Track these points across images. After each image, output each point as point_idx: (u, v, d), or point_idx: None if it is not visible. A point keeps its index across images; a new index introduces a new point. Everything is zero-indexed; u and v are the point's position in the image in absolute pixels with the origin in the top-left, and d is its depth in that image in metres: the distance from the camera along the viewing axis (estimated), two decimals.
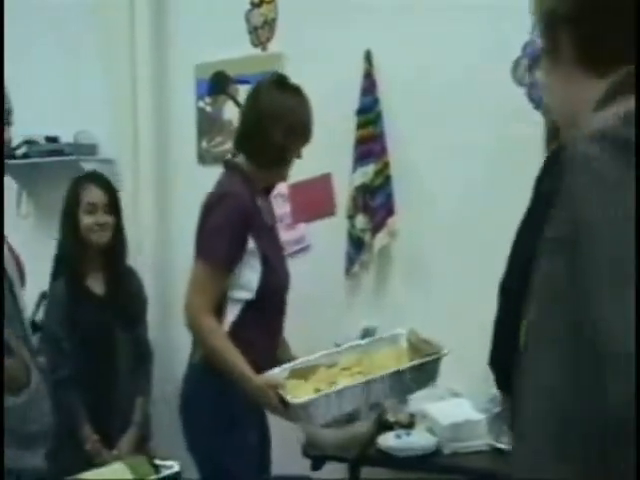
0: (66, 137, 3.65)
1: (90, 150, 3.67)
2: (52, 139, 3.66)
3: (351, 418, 2.75)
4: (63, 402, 2.64)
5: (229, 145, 3.34)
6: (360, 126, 3.13)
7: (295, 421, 2.19)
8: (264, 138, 2.38)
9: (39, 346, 2.72)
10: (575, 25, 0.99)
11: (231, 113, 3.43)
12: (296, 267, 2.65)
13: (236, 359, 2.24)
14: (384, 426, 2.81)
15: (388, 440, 2.70)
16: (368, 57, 3.12)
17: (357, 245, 3.15)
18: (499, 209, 2.52)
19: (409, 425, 2.81)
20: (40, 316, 3.09)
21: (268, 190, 2.56)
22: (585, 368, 0.81)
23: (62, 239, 2.98)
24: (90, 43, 3.65)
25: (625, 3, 0.95)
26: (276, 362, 2.33)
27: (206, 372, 2.34)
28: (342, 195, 3.18)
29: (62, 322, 2.87)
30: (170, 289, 3.41)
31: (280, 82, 2.49)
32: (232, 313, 2.35)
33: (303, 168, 2.65)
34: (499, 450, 2.56)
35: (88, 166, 3.51)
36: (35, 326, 2.98)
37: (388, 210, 3.11)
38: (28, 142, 3.60)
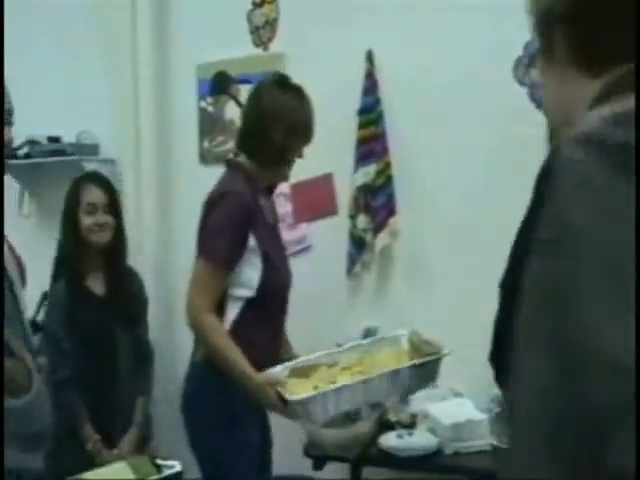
0: (68, 137, 3.66)
1: (92, 150, 3.67)
2: (54, 139, 3.67)
3: (353, 418, 2.75)
4: (64, 402, 2.65)
5: (231, 145, 3.34)
6: (362, 126, 3.13)
7: (294, 418, 2.19)
8: (265, 137, 2.38)
9: (40, 346, 2.72)
10: (570, 24, 0.98)
11: (233, 113, 3.43)
12: (298, 267, 2.66)
13: (236, 357, 2.25)
14: (386, 426, 2.81)
15: (390, 440, 2.70)
16: (370, 57, 3.12)
17: (359, 245, 3.15)
18: (501, 209, 2.51)
19: (411, 425, 2.81)
20: (42, 316, 3.09)
21: (271, 189, 2.57)
22: (574, 368, 0.82)
23: (62, 239, 2.99)
24: (92, 43, 3.65)
25: (621, 2, 0.95)
26: (278, 361, 2.33)
27: (208, 371, 2.35)
28: (344, 195, 3.18)
29: (62, 322, 2.87)
30: (172, 289, 3.41)
31: (282, 82, 2.50)
32: (233, 311, 2.36)
33: (305, 168, 2.66)
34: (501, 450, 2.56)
35: (90, 166, 3.51)
36: (37, 326, 2.99)
37: (389, 210, 3.11)
38: (30, 142, 3.60)
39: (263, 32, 3.40)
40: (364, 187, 3.11)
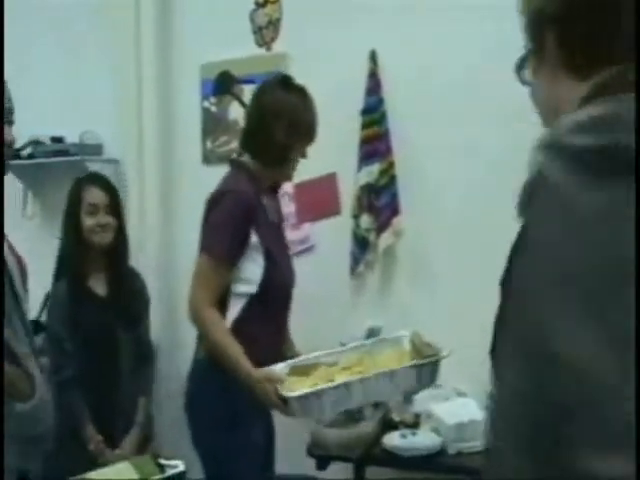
0: (71, 137, 3.66)
1: (95, 150, 3.68)
2: (57, 139, 3.67)
3: (356, 418, 2.76)
4: (66, 403, 2.65)
5: (234, 145, 3.34)
6: (365, 126, 3.13)
7: (292, 415, 2.19)
8: (268, 136, 2.39)
9: (42, 346, 2.73)
10: (561, 25, 0.98)
11: (236, 113, 3.43)
12: (301, 267, 2.66)
13: (236, 353, 2.26)
14: (389, 426, 2.81)
15: (393, 440, 2.70)
16: (373, 57, 3.12)
17: (362, 245, 3.15)
18: (504, 209, 2.51)
19: (414, 425, 2.80)
20: (45, 316, 3.09)
21: (275, 189, 2.58)
22: (542, 369, 0.83)
23: (64, 240, 2.99)
24: (95, 43, 3.66)
25: (613, 4, 0.94)
26: (280, 358, 2.35)
27: (210, 368, 2.36)
28: (347, 195, 3.18)
29: (64, 323, 2.87)
30: (175, 289, 3.42)
31: (285, 82, 2.52)
32: (236, 308, 2.37)
33: (308, 167, 2.66)
34: None
35: (93, 166, 3.52)
36: (41, 326, 2.99)
37: (393, 210, 3.10)
38: (33, 142, 3.61)
39: (266, 32, 3.40)
40: (367, 187, 3.11)
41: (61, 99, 3.70)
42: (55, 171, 3.61)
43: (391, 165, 3.11)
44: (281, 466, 2.66)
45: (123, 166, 3.66)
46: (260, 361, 2.23)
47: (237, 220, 2.33)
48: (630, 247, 0.80)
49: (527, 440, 0.83)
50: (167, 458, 1.98)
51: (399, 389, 2.25)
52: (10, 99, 1.74)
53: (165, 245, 3.59)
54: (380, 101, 3.12)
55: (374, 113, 3.12)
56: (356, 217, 3.14)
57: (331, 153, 3.00)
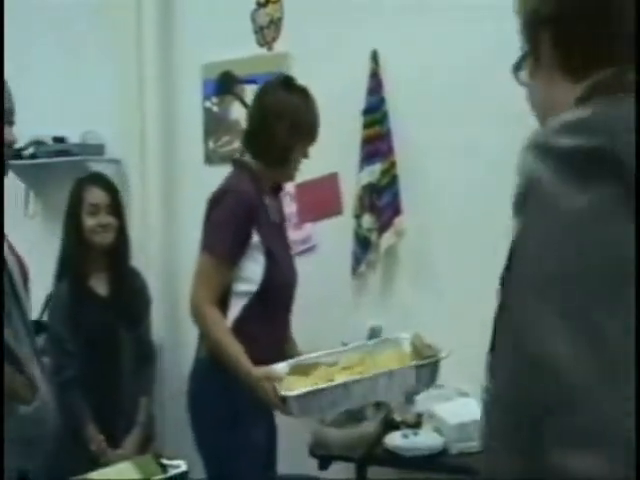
0: (73, 137, 3.66)
1: (97, 150, 3.68)
2: (59, 139, 3.67)
3: (358, 418, 2.75)
4: (68, 403, 2.65)
5: (236, 145, 3.35)
6: (366, 125, 3.13)
7: (290, 414, 2.19)
8: (269, 136, 2.40)
9: (44, 347, 2.73)
10: (555, 26, 0.98)
11: (238, 113, 3.43)
12: (302, 267, 2.66)
13: (237, 352, 2.27)
14: (391, 426, 2.81)
15: (395, 440, 2.70)
16: (374, 57, 3.12)
17: (364, 245, 3.15)
18: (506, 209, 2.51)
19: (416, 425, 2.80)
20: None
21: (277, 189, 2.58)
22: (526, 369, 0.85)
23: (65, 240, 2.99)
24: (97, 43, 3.66)
25: (607, 6, 0.94)
26: (282, 358, 2.35)
27: (212, 367, 2.37)
28: (348, 194, 3.18)
29: (66, 323, 2.87)
30: (177, 289, 3.41)
31: (286, 82, 2.54)
32: (236, 307, 2.38)
33: (309, 167, 2.66)
34: None
35: (95, 166, 3.52)
36: (42, 326, 2.99)
37: (395, 209, 3.10)
38: (35, 143, 3.61)
39: (267, 32, 3.40)
40: (369, 186, 3.10)
41: (63, 99, 3.70)
42: (57, 171, 3.61)
43: (393, 165, 3.11)
44: (283, 466, 2.66)
45: (125, 166, 3.66)
46: (261, 360, 2.24)
47: (238, 219, 2.34)
48: (611, 249, 0.81)
49: (512, 439, 0.85)
50: (169, 458, 1.98)
51: (398, 390, 2.26)
52: (11, 99, 1.73)
53: (167, 245, 3.59)
54: (382, 101, 3.12)
55: (376, 113, 3.12)
56: (358, 217, 3.14)
57: (333, 153, 3.00)
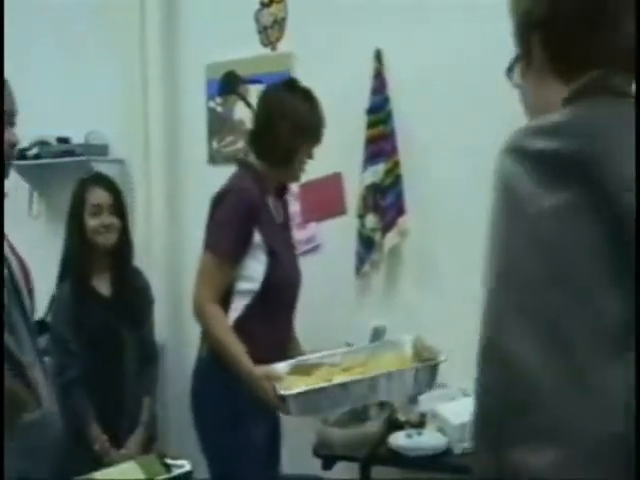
0: (77, 138, 3.67)
1: (101, 150, 3.69)
2: (63, 140, 3.68)
3: (362, 418, 2.75)
4: (71, 403, 2.65)
5: (240, 145, 3.35)
6: (370, 125, 3.13)
7: (289, 414, 2.19)
8: (273, 137, 2.41)
9: (47, 347, 2.73)
10: (545, 29, 0.99)
11: (242, 113, 3.43)
12: (306, 266, 2.66)
13: (238, 351, 2.27)
14: (395, 426, 2.81)
15: (399, 440, 2.70)
16: (378, 56, 3.12)
17: (367, 244, 3.15)
18: None
19: (420, 425, 2.80)
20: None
21: (282, 190, 2.59)
22: (495, 368, 0.89)
23: (68, 241, 2.98)
24: (97, 43, 3.67)
25: (599, 9, 0.94)
26: (284, 357, 2.36)
27: (213, 366, 2.37)
28: (352, 194, 3.18)
29: (69, 323, 2.87)
30: (181, 289, 3.42)
31: (291, 84, 2.56)
32: (239, 305, 2.39)
33: (313, 167, 2.65)
34: None
35: (99, 167, 3.52)
36: (46, 326, 2.99)
37: (398, 209, 3.10)
38: (39, 143, 3.62)
39: (271, 32, 3.40)
40: (373, 186, 3.10)
41: (67, 100, 3.71)
42: (61, 171, 3.62)
43: (396, 165, 3.11)
44: (287, 466, 2.66)
45: (129, 166, 3.67)
46: (262, 359, 2.24)
47: (241, 218, 2.35)
48: (574, 250, 0.82)
49: (483, 438, 0.87)
50: (173, 458, 1.98)
51: (397, 391, 2.25)
52: (13, 100, 1.73)
53: (171, 245, 3.59)
54: (385, 100, 3.12)
55: (379, 112, 3.11)
56: (361, 217, 3.14)
57: (336, 153, 2.99)
